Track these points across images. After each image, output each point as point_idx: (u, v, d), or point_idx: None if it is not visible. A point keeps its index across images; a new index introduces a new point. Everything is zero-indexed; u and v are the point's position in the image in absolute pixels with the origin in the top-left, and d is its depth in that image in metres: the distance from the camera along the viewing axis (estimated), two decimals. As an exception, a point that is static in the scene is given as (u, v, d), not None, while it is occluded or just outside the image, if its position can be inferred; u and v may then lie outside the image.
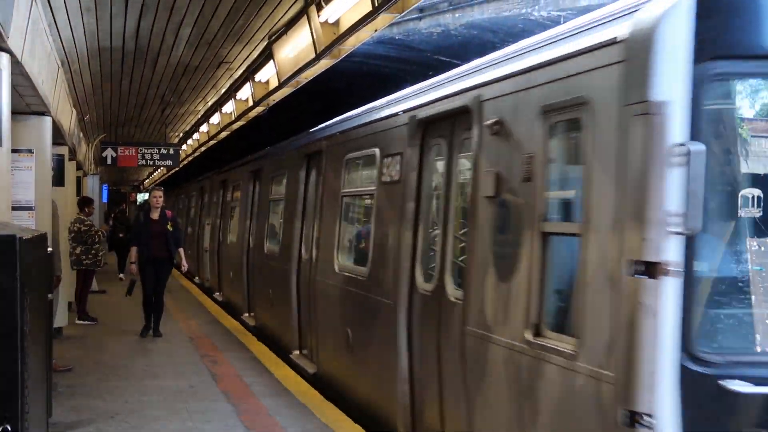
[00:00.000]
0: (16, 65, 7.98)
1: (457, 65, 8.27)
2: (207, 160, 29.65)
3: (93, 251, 16.53)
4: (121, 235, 24.49)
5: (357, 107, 10.85)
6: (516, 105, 6.41)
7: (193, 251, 25.91)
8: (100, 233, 17.40)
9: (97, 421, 8.76)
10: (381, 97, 10.21)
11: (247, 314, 17.21)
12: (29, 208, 11.40)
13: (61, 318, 13.71)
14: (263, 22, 10.50)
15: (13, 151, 8.85)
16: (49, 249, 8.25)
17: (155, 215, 14.13)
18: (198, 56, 12.82)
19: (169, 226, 14.16)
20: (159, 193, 14.38)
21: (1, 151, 7.64)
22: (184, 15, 10.05)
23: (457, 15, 17.99)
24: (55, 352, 9.72)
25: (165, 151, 22.83)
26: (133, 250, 14.18)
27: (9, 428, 4.54)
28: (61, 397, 9.49)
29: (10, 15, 6.96)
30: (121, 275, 23.75)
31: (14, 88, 8.67)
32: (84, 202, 17.46)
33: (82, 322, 16.53)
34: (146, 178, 55.04)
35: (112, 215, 30.03)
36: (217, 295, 21.20)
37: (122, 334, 14.73)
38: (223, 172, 21.96)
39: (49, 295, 7.92)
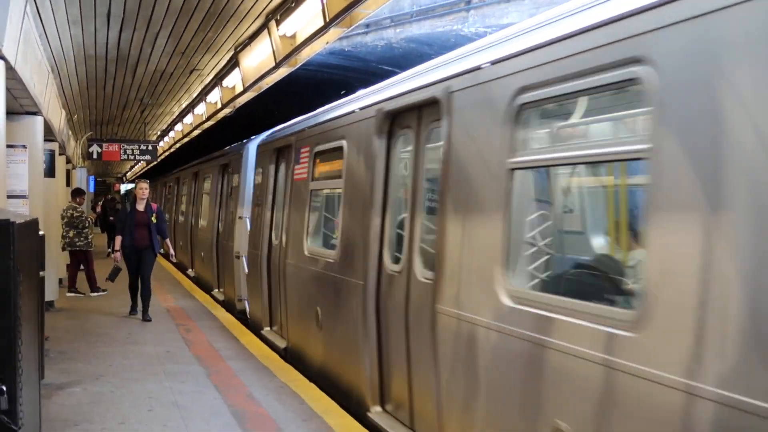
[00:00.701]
0: (10, 71, 7.93)
1: (399, 73, 8.23)
2: (182, 154, 29.47)
3: (84, 234, 16.58)
4: (111, 218, 24.33)
5: (312, 109, 10.82)
6: None
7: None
8: (89, 219, 17.64)
9: (83, 382, 8.74)
10: (333, 101, 10.05)
11: (216, 290, 17.23)
12: (23, 197, 11.59)
13: (52, 293, 13.58)
14: (230, 35, 10.48)
15: (8, 146, 8.83)
16: (41, 232, 8.19)
17: (141, 207, 12.99)
18: (173, 64, 12.74)
19: (153, 218, 12.97)
20: (145, 186, 13.15)
21: (-2, 146, 7.57)
22: (160, 28, 10.02)
23: (398, 30, 18.11)
24: (48, 322, 9.64)
25: (144, 147, 22.94)
26: (118, 239, 13.08)
27: (4, 389, 4.52)
28: (52, 361, 9.44)
29: (4, 26, 6.93)
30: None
31: (9, 91, 8.65)
32: (76, 193, 17.75)
33: (94, 294, 16.57)
34: (128, 171, 54.52)
35: (102, 202, 29.76)
36: (189, 271, 21.21)
37: (109, 308, 14.56)
38: (195, 165, 21.92)
39: (41, 273, 7.85)
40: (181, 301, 15.98)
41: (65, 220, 16.84)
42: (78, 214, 16.75)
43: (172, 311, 14.33)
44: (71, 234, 16.61)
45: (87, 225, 16.97)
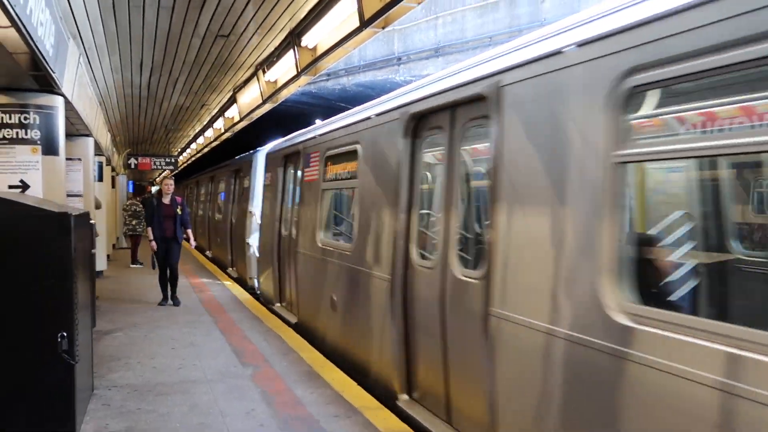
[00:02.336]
0: (69, 104, 7.86)
1: (350, 108, 8.21)
2: (196, 163, 29.17)
3: (141, 223, 16.33)
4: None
5: (288, 132, 10.80)
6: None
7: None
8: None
9: (124, 329, 8.71)
10: (304, 127, 9.98)
11: (230, 268, 16.04)
12: (79, 195, 11.68)
13: (101, 264, 13.47)
14: (229, 80, 10.43)
15: (68, 159, 8.70)
16: (92, 221, 8.15)
17: (166, 200, 10.87)
18: (188, 101, 12.62)
19: (178, 210, 10.87)
20: (170, 182, 11.26)
21: (59, 159, 7.51)
22: (179, 74, 9.95)
23: (350, 78, 18.33)
24: (98, 286, 9.57)
25: (168, 160, 23.21)
26: (149, 231, 11.00)
27: (65, 334, 4.52)
28: (101, 314, 9.36)
29: (63, 73, 6.86)
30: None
31: (68, 119, 8.57)
32: (137, 193, 17.75)
33: (134, 266, 16.37)
34: (157, 177, 53.57)
35: (142, 199, 29.51)
36: (207, 252, 20.66)
37: (144, 277, 14.34)
38: (211, 171, 21.68)
39: (93, 250, 7.81)
40: (199, 272, 15.87)
41: (129, 212, 16.92)
42: (139, 208, 16.65)
43: (189, 277, 14.21)
44: (134, 222, 16.68)
45: (143, 216, 16.90)
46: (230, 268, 16.00)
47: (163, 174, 45.87)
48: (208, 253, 20.40)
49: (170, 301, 10.88)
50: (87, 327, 5.40)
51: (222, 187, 18.27)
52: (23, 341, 4.41)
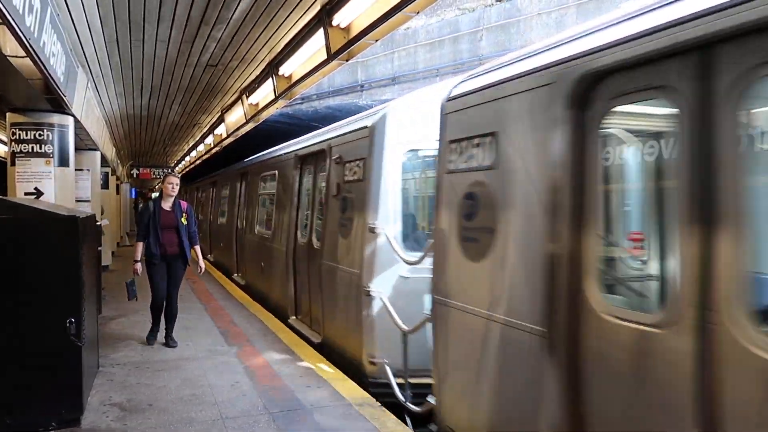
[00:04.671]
0: (78, 123, 7.71)
1: (322, 127, 8.42)
2: (191, 173, 28.81)
3: None
4: None
5: (267, 149, 10.97)
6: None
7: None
8: None
9: (126, 314, 8.53)
10: (281, 144, 10.27)
11: (235, 274, 15.04)
12: (87, 201, 11.41)
13: (107, 260, 13.20)
14: (218, 102, 10.30)
15: (77, 169, 8.57)
16: (99, 223, 7.99)
17: (167, 205, 6.84)
18: (182, 120, 12.42)
19: (183, 219, 6.83)
20: (174, 180, 6.95)
21: (70, 170, 7.39)
22: (174, 97, 9.80)
23: (321, 102, 18.26)
24: (104, 278, 9.37)
25: (166, 170, 22.69)
26: (138, 246, 6.77)
27: (74, 320, 4.43)
28: (106, 303, 9.17)
29: (73, 95, 6.74)
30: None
31: (77, 135, 8.42)
32: (146, 199, 17.63)
33: None
34: (156, 185, 52.62)
35: (141, 201, 28.96)
36: (209, 256, 18.86)
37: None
38: (213, 176, 21.28)
39: (99, 248, 7.66)
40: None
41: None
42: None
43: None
44: None
45: None
46: (236, 274, 12.11)
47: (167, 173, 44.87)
48: (210, 256, 15.99)
49: (159, 339, 6.93)
50: (93, 313, 5.30)
51: (226, 192, 14.25)
52: (38, 326, 4.33)
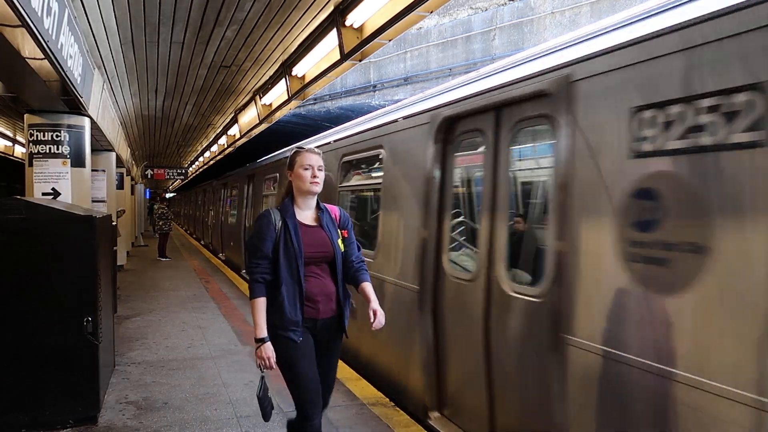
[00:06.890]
0: (94, 124, 7.78)
1: (333, 127, 8.41)
2: (204, 173, 28.96)
3: (168, 224, 16.91)
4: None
5: (279, 149, 11.22)
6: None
7: (198, 224, 25.46)
8: (170, 214, 17.58)
9: (141, 314, 8.60)
10: (292, 144, 10.28)
11: (221, 254, 16.57)
12: (103, 201, 11.46)
13: (122, 260, 13.33)
14: (231, 104, 10.36)
15: (93, 170, 8.64)
16: (114, 223, 8.07)
17: (309, 218, 2.90)
18: (196, 121, 12.51)
19: (339, 242, 2.87)
20: (317, 161, 2.94)
21: (86, 170, 7.45)
22: (188, 99, 9.86)
23: (333, 102, 18.31)
24: (119, 278, 9.47)
25: (179, 171, 22.91)
26: (259, 306, 2.72)
27: (90, 319, 4.48)
28: (122, 302, 9.27)
29: (89, 97, 6.81)
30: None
31: (93, 136, 8.48)
32: (163, 200, 18.29)
33: (163, 259, 16.31)
34: (170, 185, 53.00)
35: (166, 204, 29.29)
36: (220, 255, 19.76)
37: (160, 270, 14.23)
38: (225, 177, 21.52)
39: (114, 248, 7.73)
40: (202, 264, 15.76)
41: (157, 214, 17.16)
42: (166, 212, 17.01)
43: (197, 270, 14.12)
44: (161, 223, 16.83)
45: (170, 218, 17.16)
46: (221, 254, 13.53)
47: (176, 182, 45.08)
48: (221, 255, 16.57)
49: None
50: (109, 313, 5.35)
51: (235, 192, 14.05)
52: (55, 324, 4.37)
